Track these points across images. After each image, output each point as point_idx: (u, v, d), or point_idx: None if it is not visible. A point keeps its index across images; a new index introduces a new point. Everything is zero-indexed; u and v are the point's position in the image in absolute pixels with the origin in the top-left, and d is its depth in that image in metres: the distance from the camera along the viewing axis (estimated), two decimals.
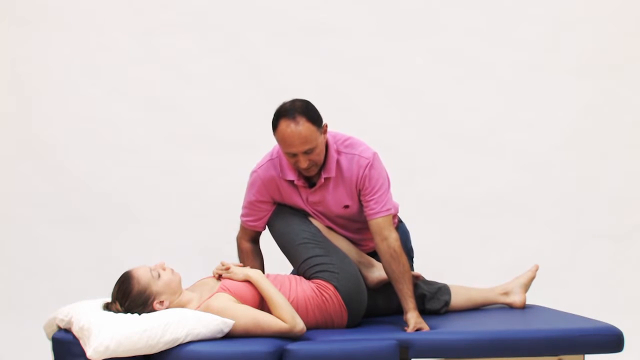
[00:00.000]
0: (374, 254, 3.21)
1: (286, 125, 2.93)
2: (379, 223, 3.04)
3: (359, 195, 3.11)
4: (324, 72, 4.72)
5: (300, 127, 2.92)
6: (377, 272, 3.18)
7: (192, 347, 2.60)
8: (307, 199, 3.13)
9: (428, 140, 4.75)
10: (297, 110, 2.94)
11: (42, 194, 4.65)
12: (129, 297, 2.75)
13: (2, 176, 4.66)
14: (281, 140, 2.96)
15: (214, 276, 2.99)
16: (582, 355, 2.79)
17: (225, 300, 2.78)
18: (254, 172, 3.18)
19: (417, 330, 2.89)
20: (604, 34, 4.77)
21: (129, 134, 4.69)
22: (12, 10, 4.70)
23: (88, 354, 2.52)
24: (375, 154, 3.11)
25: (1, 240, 4.64)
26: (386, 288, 3.13)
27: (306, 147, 2.94)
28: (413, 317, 2.94)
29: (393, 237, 3.03)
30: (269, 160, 3.14)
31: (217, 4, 4.73)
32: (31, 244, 4.63)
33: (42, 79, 4.69)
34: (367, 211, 3.08)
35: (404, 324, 2.96)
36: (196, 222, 4.65)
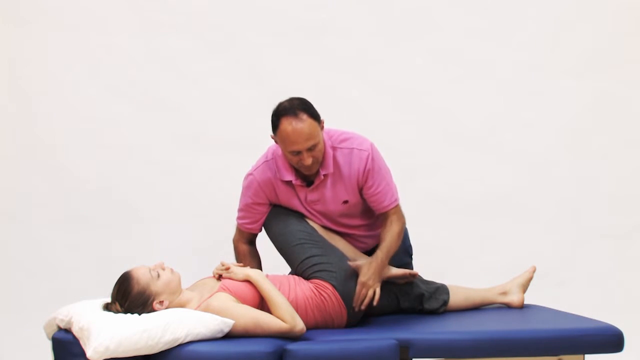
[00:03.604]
0: (371, 253, 3.22)
1: (289, 123, 2.93)
2: (389, 213, 3.13)
3: (360, 189, 3.11)
4: (324, 72, 4.72)
5: (303, 124, 2.92)
6: None
7: (192, 347, 2.60)
8: (305, 198, 3.13)
9: (428, 140, 4.75)
10: (298, 107, 2.95)
11: (42, 194, 4.64)
12: (129, 297, 2.75)
13: (2, 176, 4.66)
14: (285, 138, 2.95)
15: (214, 276, 2.99)
16: (582, 355, 2.79)
17: (225, 300, 2.78)
18: (249, 174, 3.17)
19: (363, 297, 2.99)
20: (604, 34, 4.77)
21: (129, 134, 4.69)
22: (12, 10, 4.70)
23: (88, 354, 2.53)
24: (372, 144, 3.12)
25: (1, 240, 4.64)
26: (385, 287, 3.13)
27: (310, 143, 2.94)
28: (367, 265, 3.01)
29: (398, 215, 3.13)
30: (265, 162, 3.14)
31: (217, 4, 4.73)
32: (31, 244, 4.63)
33: (42, 79, 4.69)
34: (376, 205, 3.11)
35: (404, 324, 2.97)
36: (196, 222, 4.65)
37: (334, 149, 3.09)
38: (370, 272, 3.00)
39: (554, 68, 4.77)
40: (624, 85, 4.76)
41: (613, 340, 2.77)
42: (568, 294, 4.48)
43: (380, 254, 3.06)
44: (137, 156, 4.68)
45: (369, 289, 2.98)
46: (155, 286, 2.78)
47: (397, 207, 3.15)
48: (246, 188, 3.19)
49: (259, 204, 3.17)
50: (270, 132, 3.02)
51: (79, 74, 4.69)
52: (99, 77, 4.69)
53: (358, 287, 2.98)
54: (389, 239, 3.10)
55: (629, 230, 4.72)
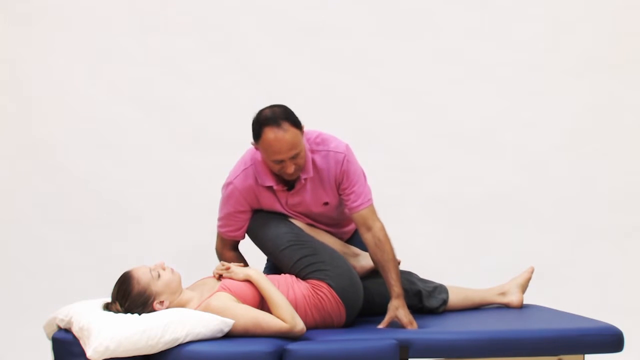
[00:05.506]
0: (350, 241, 3.27)
1: (272, 133, 2.91)
2: (363, 214, 3.07)
3: (337, 190, 3.11)
4: (324, 72, 4.72)
5: (286, 134, 2.91)
6: (364, 261, 3.20)
7: (192, 347, 2.60)
8: (286, 202, 3.12)
9: (428, 140, 4.74)
10: (280, 117, 2.92)
11: (42, 194, 4.65)
12: (129, 297, 2.75)
13: (2, 176, 4.66)
14: (267, 148, 2.94)
15: (214, 276, 2.99)
16: (582, 355, 2.80)
17: (225, 300, 2.78)
18: (229, 183, 3.13)
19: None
20: (604, 34, 4.77)
21: (129, 134, 4.69)
22: (12, 9, 4.70)
23: (88, 354, 2.53)
24: (347, 146, 3.11)
25: (1, 240, 4.64)
26: (383, 286, 3.12)
27: (293, 152, 2.93)
28: (400, 306, 2.95)
29: (377, 226, 3.05)
30: (244, 169, 3.11)
31: (217, 4, 4.73)
32: (31, 244, 4.63)
33: (42, 79, 4.69)
34: (350, 204, 3.09)
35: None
36: (196, 222, 4.64)
37: (312, 151, 3.08)
38: (406, 311, 2.96)
39: (554, 68, 4.78)
40: (624, 85, 4.76)
41: (613, 340, 2.77)
42: (568, 294, 4.47)
43: (398, 289, 2.99)
44: (137, 156, 4.68)
45: (414, 323, 2.96)
46: (156, 286, 2.78)
47: (372, 207, 3.10)
48: (227, 197, 3.14)
49: (241, 212, 3.15)
50: (252, 140, 3.00)
51: (79, 73, 4.69)
52: (99, 77, 4.70)
53: (407, 326, 2.94)
54: (390, 262, 3.02)
55: (629, 230, 4.73)
